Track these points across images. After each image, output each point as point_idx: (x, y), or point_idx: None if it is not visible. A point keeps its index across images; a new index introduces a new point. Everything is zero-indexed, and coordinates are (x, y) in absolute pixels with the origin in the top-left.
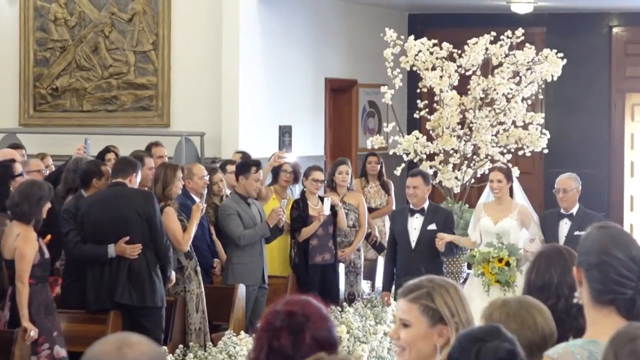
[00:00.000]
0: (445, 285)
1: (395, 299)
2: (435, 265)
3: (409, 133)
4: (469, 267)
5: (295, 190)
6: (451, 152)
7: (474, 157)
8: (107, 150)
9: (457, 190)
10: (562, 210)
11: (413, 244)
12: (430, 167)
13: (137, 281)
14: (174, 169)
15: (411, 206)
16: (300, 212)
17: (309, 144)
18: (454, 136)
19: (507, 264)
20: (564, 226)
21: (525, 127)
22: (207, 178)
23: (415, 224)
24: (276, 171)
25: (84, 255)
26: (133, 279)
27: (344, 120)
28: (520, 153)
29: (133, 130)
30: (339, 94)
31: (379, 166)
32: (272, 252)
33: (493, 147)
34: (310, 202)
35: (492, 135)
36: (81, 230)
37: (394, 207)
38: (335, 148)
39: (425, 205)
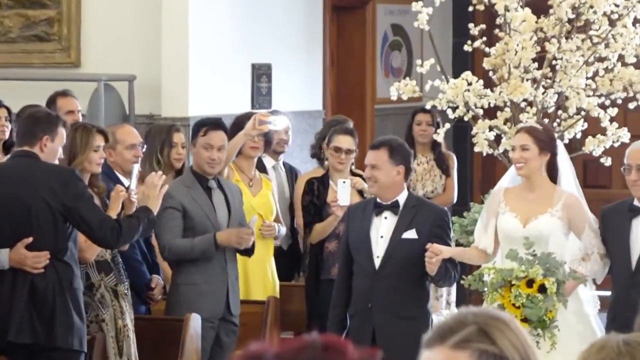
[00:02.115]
0: (502, 319)
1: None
2: (416, 297)
3: (456, 76)
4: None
5: (280, 167)
6: (523, 105)
7: (560, 112)
8: None
9: None
10: (636, 202)
11: (377, 262)
12: (491, 128)
13: (43, 308)
14: (87, 132)
15: (377, 199)
16: (313, 198)
17: (299, 92)
18: (527, 80)
19: (542, 288)
20: None
21: (638, 65)
22: (140, 147)
23: (382, 229)
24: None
25: None
26: (38, 305)
27: (353, 55)
28: (631, 106)
29: (23, 73)
30: (346, 14)
31: (433, 129)
32: (246, 263)
33: (589, 96)
34: (335, 183)
35: (587, 79)
36: None
37: (454, 196)
38: (341, 99)
39: (401, 197)
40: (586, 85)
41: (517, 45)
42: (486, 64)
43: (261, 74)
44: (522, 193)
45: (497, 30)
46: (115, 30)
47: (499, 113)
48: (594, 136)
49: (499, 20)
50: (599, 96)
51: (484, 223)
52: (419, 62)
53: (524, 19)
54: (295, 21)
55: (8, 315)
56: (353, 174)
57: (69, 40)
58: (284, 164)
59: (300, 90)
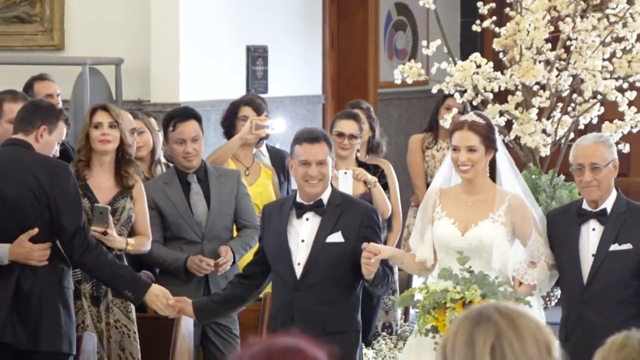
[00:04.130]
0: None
1: None
2: (345, 309)
3: (464, 58)
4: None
5: (263, 154)
6: (536, 88)
7: (574, 96)
8: None
9: (545, 152)
10: (585, 205)
11: (298, 270)
12: (501, 113)
13: (26, 308)
14: (89, 110)
15: (298, 198)
16: None
17: (297, 76)
18: (539, 62)
19: None
20: (591, 235)
21: None
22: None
23: (303, 232)
24: (230, 121)
25: None
26: (20, 305)
27: (355, 36)
28: None
29: (3, 57)
30: None
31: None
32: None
33: (605, 79)
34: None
35: (604, 60)
36: None
37: None
38: (342, 83)
39: (325, 195)
40: (602, 67)
41: (529, 25)
42: (496, 45)
43: (257, 57)
44: (460, 196)
45: (507, 9)
46: (101, 10)
47: (509, 97)
48: (611, 121)
49: None
50: (616, 79)
51: (419, 230)
52: (424, 43)
53: None
54: (293, 0)
55: None
56: (360, 163)
57: (52, 22)
58: (270, 148)
59: (298, 73)
